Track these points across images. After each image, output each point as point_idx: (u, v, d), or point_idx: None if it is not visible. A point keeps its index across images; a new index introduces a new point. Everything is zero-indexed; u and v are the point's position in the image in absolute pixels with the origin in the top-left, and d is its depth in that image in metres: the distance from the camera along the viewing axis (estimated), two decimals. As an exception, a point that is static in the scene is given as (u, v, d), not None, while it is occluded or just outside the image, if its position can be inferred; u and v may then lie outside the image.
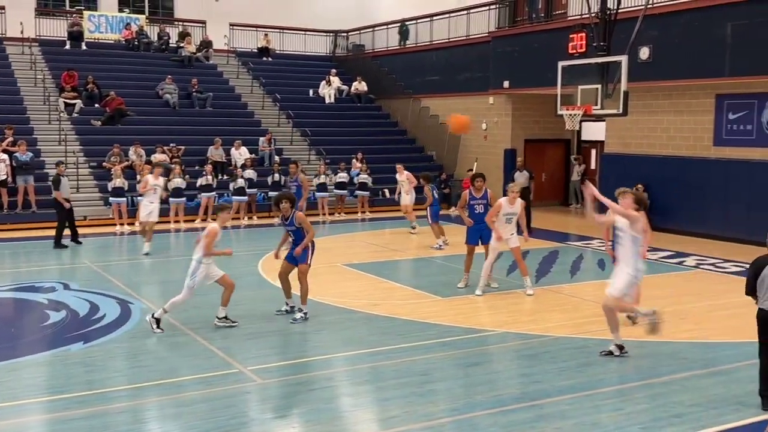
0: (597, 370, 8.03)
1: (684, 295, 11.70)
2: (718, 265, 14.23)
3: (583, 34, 15.51)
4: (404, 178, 18.42)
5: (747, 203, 16.47)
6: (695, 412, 6.82)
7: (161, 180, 15.86)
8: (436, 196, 16.38)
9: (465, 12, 25.20)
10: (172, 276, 13.44)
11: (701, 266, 14.15)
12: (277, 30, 30.79)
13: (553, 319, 10.18)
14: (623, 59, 13.88)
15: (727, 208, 16.87)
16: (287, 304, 10.30)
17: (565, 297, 11.53)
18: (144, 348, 8.79)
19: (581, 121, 17.05)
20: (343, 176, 21.98)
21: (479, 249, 12.02)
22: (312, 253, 10.09)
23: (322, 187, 21.45)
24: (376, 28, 30.25)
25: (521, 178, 18.03)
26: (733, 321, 10.12)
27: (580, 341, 9.13)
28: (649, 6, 15.46)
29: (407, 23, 28.14)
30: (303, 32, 31.23)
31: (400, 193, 18.76)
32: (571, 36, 15.94)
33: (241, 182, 20.25)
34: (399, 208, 19.30)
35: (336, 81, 27.91)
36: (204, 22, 29.54)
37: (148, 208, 15.28)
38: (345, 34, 31.99)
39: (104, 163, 20.50)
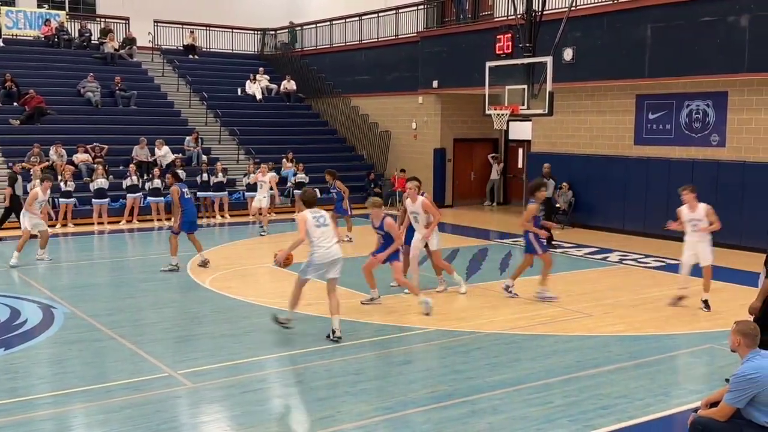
0: (526, 365, 8.18)
1: (608, 290, 12.04)
2: (640, 260, 14.70)
3: (510, 35, 15.78)
4: (266, 179, 18.02)
5: (666, 201, 17.03)
6: (622, 403, 7.02)
7: (48, 194, 15.13)
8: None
9: (393, 11, 25.31)
10: (95, 279, 13.10)
11: (624, 262, 14.59)
12: (204, 27, 30.28)
13: (484, 316, 10.33)
14: (548, 60, 14.18)
15: (648, 205, 17.45)
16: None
17: (495, 294, 11.70)
18: (69, 354, 8.50)
19: (509, 121, 17.33)
20: (271, 176, 21.72)
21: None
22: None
23: (251, 187, 21.17)
24: (305, 27, 30.09)
25: (550, 187, 17.13)
26: (655, 314, 10.47)
27: (509, 337, 9.29)
28: (572, 8, 15.83)
29: (335, 21, 28.08)
30: (230, 30, 30.80)
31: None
32: (497, 37, 16.19)
33: (157, 183, 19.78)
34: (328, 207, 19.16)
35: (263, 79, 27.62)
36: (127, 19, 28.78)
37: (33, 220, 14.15)
38: (273, 32, 31.70)
39: (23, 164, 19.74)
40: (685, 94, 16.82)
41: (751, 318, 7.04)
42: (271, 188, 18.37)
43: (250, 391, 7.39)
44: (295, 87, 27.88)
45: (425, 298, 10.36)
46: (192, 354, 8.53)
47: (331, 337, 8.96)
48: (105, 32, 27.36)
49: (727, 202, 15.82)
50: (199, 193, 20.36)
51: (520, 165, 24.33)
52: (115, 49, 26.65)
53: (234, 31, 30.88)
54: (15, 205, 16.95)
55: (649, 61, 16.74)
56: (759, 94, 15.50)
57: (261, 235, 17.55)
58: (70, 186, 18.82)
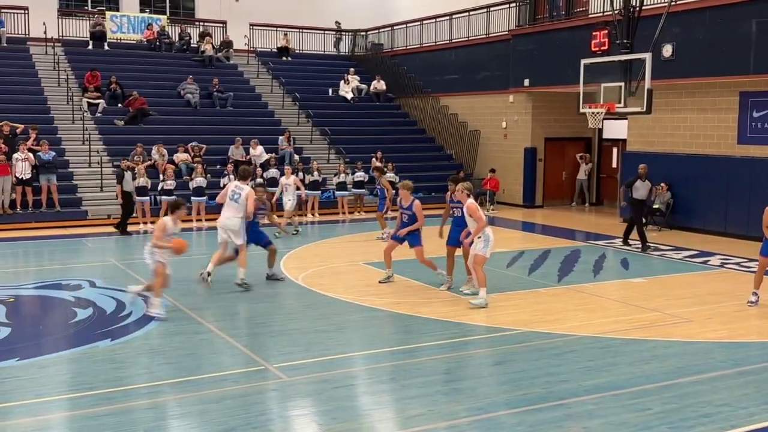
0: (623, 370, 7.96)
1: (709, 295, 11.58)
2: (743, 264, 14.08)
3: (606, 32, 15.40)
4: (291, 181, 17.99)
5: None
6: (724, 411, 6.74)
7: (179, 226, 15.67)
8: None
9: (485, 10, 25.12)
10: (194, 274, 13.54)
11: (726, 266, 14.01)
12: (297, 30, 30.87)
13: (577, 318, 10.12)
14: (647, 56, 13.76)
15: (751, 207, 16.66)
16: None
17: (589, 296, 11.45)
18: (170, 345, 8.83)
19: (603, 119, 16.90)
20: (360, 175, 21.98)
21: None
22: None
23: (341, 185, 21.51)
24: (395, 27, 30.24)
25: (643, 188, 16.16)
26: (761, 321, 10.02)
27: (605, 341, 9.07)
28: (672, 3, 15.30)
29: (425, 21, 28.09)
30: (322, 32, 31.29)
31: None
32: (593, 33, 15.82)
33: (259, 181, 20.28)
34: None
35: (354, 80, 27.93)
36: (224, 23, 29.68)
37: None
38: (364, 33, 32.00)
39: (127, 163, 20.61)
40: (793, 90, 16.02)
41: None
42: (298, 188, 18.35)
43: (342, 386, 7.49)
44: (384, 87, 28.07)
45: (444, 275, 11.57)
46: (287, 348, 8.71)
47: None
48: (203, 35, 28.30)
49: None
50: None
51: (614, 165, 23.70)
52: (213, 52, 27.50)
53: (326, 32, 31.35)
54: (127, 202, 17.74)
55: (754, 56, 16.01)
56: None
57: (294, 233, 17.47)
58: (171, 184, 19.54)
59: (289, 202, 17.91)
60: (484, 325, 9.73)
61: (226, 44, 28.42)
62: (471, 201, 10.77)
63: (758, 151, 16.76)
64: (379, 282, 12.06)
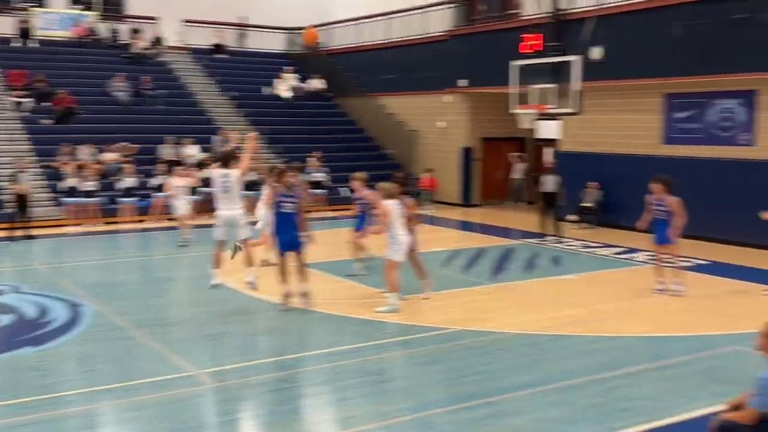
0: (550, 366, 8.15)
1: (635, 290, 11.93)
2: (668, 260, 14.50)
3: (537, 34, 15.71)
4: (184, 183, 17.00)
5: (694, 199, 16.81)
6: (646, 406, 6.97)
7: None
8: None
9: (422, 10, 25.29)
10: (122, 277, 13.29)
11: (651, 263, 14.42)
12: (232, 27, 30.50)
13: (509, 316, 10.30)
14: (576, 59, 14.09)
15: (677, 204, 17.22)
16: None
17: (521, 294, 11.67)
18: (97, 352, 8.64)
19: (537, 120, 17.24)
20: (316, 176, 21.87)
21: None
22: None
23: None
24: (332, 26, 30.18)
25: (550, 182, 17.14)
26: (682, 315, 10.37)
27: (534, 337, 9.26)
28: (601, 6, 15.70)
29: (362, 21, 28.11)
30: (258, 29, 30.99)
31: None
32: (525, 36, 16.12)
33: (193, 182, 19.97)
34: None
35: (291, 78, 27.76)
36: (156, 18, 29.09)
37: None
38: (301, 32, 31.83)
39: (55, 163, 20.08)
40: (714, 92, 16.61)
41: None
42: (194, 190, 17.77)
43: (274, 390, 7.46)
44: (322, 86, 27.98)
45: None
46: (217, 353, 8.63)
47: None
48: (134, 32, 27.70)
49: (757, 201, 15.58)
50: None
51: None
52: (144, 49, 26.97)
53: (262, 30, 31.06)
54: (21, 203, 16.92)
55: (678, 59, 16.55)
56: (791, 92, 15.27)
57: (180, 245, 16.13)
58: (92, 186, 18.96)
59: (182, 206, 16.56)
60: (418, 325, 9.81)
61: (158, 41, 27.89)
62: (385, 202, 10.41)
63: (681, 151, 17.32)
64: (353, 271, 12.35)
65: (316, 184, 22.04)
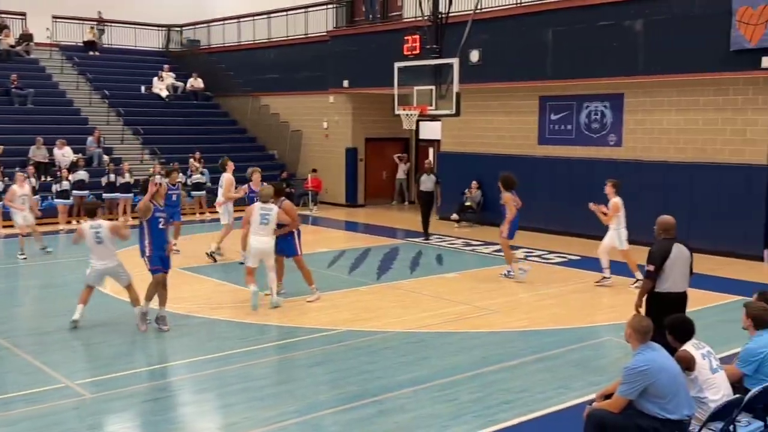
0: (434, 363, 8.30)
1: (514, 286, 12.34)
2: (543, 256, 15.13)
3: (417, 36, 15.92)
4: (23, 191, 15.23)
5: (568, 198, 17.63)
6: (524, 397, 7.22)
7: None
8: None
9: (303, 10, 25.17)
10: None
11: (529, 258, 14.98)
12: (106, 23, 29.30)
13: (394, 315, 10.41)
14: (455, 62, 14.38)
15: (551, 203, 17.98)
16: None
17: (405, 293, 11.82)
18: (-42, 367, 8.08)
19: (419, 121, 17.51)
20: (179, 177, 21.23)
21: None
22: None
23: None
24: (212, 24, 29.55)
25: (428, 182, 17.46)
26: (557, 309, 10.81)
27: (418, 335, 9.40)
28: (478, 11, 16.12)
29: (243, 19, 27.68)
30: (133, 26, 29.92)
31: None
32: (405, 38, 16.31)
33: (66, 184, 19.10)
34: (237, 208, 18.89)
35: (170, 77, 26.97)
36: (24, 14, 27.53)
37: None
38: (179, 29, 31.01)
39: None
40: (585, 95, 17.43)
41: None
42: None
43: (151, 400, 7.21)
44: (202, 85, 27.34)
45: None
46: (90, 363, 8.27)
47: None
48: (0, 28, 26.10)
49: (625, 200, 16.45)
50: (104, 195, 19.77)
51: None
52: (11, 46, 25.46)
53: (137, 27, 30.01)
54: None
55: (551, 63, 17.26)
56: (652, 96, 16.22)
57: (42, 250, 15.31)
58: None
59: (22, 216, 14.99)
60: (303, 327, 9.75)
61: (26, 37, 26.39)
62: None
63: (556, 151, 18.08)
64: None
65: (197, 186, 21.51)
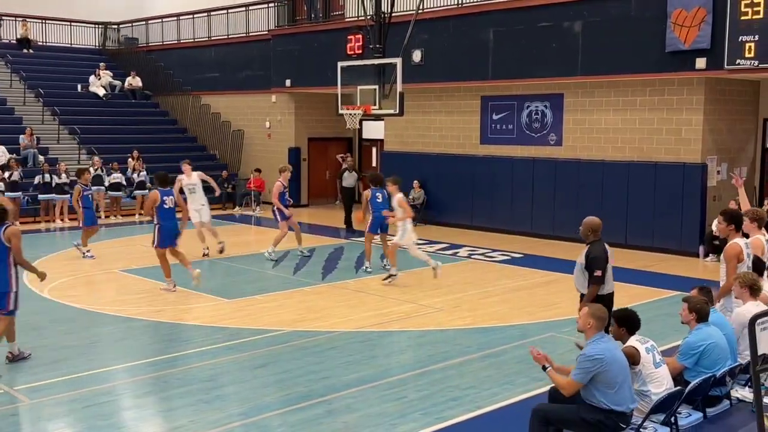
0: (381, 362, 8.32)
1: (458, 284, 12.45)
2: (487, 254, 15.30)
3: (360, 36, 15.94)
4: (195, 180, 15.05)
5: (510, 197, 17.90)
6: (471, 394, 7.29)
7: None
8: None
9: (244, 8, 24.91)
10: None
11: (473, 256, 15.15)
12: (40, 20, 28.45)
13: (340, 315, 10.39)
14: (397, 61, 14.43)
15: (493, 201, 18.22)
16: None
17: (351, 292, 11.81)
18: None
19: (362, 120, 17.52)
20: (117, 176, 20.82)
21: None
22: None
23: (97, 179, 20.14)
24: (151, 21, 28.99)
25: (350, 179, 19.11)
26: (501, 306, 10.95)
27: (365, 334, 9.40)
28: (420, 11, 16.21)
29: (182, 17, 27.23)
30: (69, 23, 29.13)
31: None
32: (348, 37, 16.32)
33: (-1, 185, 18.51)
34: (180, 209, 18.64)
35: (107, 75, 26.36)
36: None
37: None
38: (116, 26, 30.32)
39: None
40: (526, 95, 17.70)
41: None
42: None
43: (94, 404, 7.03)
44: (141, 84, 26.79)
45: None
46: (30, 368, 7.99)
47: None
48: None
49: (565, 198, 16.83)
50: (40, 196, 19.23)
51: (374, 164, 24.66)
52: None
53: (72, 24, 29.23)
54: None
55: (492, 63, 17.47)
56: (591, 96, 16.57)
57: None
58: None
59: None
60: (248, 328, 9.65)
61: (-45, 33, 25.48)
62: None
63: (497, 151, 18.31)
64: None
65: (140, 185, 21.14)
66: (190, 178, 14.87)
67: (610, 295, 7.71)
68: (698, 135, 15.09)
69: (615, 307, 7.08)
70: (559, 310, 10.48)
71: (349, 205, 19.05)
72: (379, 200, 13.42)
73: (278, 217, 14.59)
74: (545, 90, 17.27)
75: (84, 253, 14.42)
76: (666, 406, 5.77)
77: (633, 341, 5.93)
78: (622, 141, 16.18)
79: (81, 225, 14.72)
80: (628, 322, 6.08)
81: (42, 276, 8.37)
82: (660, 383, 5.80)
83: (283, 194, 14.62)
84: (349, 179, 19.17)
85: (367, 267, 13.40)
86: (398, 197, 12.35)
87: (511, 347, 8.86)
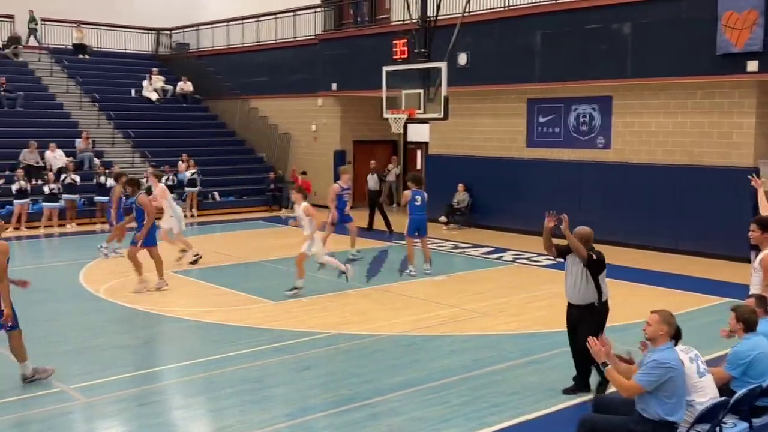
0: (425, 366, 8.38)
1: (503, 289, 12.44)
2: (532, 259, 15.23)
3: (405, 40, 16.02)
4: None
5: (556, 200, 17.74)
6: (514, 400, 7.31)
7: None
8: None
9: (292, 14, 25.22)
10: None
11: (517, 260, 15.10)
12: (94, 26, 29.24)
13: (384, 318, 10.48)
14: (443, 65, 14.48)
15: (538, 205, 18.06)
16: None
17: (395, 295, 11.90)
18: (-50, 373, 8.09)
19: (407, 123, 17.61)
20: (169, 180, 21.28)
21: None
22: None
23: (149, 191, 20.64)
24: (201, 27, 29.56)
25: (372, 181, 19.53)
26: (546, 312, 10.91)
27: (409, 338, 9.48)
28: (465, 14, 16.23)
29: (232, 22, 27.70)
30: (123, 29, 29.88)
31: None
32: (393, 41, 16.41)
33: (54, 187, 19.05)
34: (227, 210, 18.95)
35: (159, 80, 26.96)
36: (12, 17, 27.42)
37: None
38: (168, 32, 30.99)
39: None
40: (573, 98, 17.57)
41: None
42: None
43: (147, 403, 7.26)
44: (192, 88, 27.34)
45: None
46: (85, 367, 8.28)
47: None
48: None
49: (613, 202, 16.64)
50: (95, 198, 19.79)
51: (418, 167, 24.71)
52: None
53: (126, 30, 29.97)
54: None
55: (539, 66, 17.39)
56: (641, 98, 16.36)
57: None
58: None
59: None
60: (293, 330, 9.81)
61: (14, 40, 26.31)
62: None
63: (544, 154, 18.21)
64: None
65: (191, 182, 21.65)
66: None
67: (606, 301, 7.58)
68: (750, 138, 14.79)
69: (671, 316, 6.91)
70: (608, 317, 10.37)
71: (372, 207, 19.34)
72: (418, 203, 13.41)
73: (337, 218, 14.77)
74: (593, 92, 17.11)
75: (112, 252, 14.65)
76: (711, 416, 5.71)
77: (677, 351, 5.88)
78: (672, 144, 15.95)
79: (114, 223, 14.93)
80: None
81: (23, 284, 7.95)
82: (704, 393, 5.74)
83: (341, 197, 14.80)
84: (370, 182, 19.59)
85: (410, 270, 13.46)
86: (304, 206, 11.70)
87: (556, 354, 8.82)
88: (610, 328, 9.56)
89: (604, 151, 17.07)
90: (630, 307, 10.54)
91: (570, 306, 7.57)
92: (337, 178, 23.50)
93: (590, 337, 5.79)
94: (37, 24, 27.52)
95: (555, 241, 7.65)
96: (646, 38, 15.50)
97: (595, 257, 7.37)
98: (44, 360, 8.49)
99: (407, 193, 13.68)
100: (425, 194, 13.61)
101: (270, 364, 8.50)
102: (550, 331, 9.80)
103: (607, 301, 7.49)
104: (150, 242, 11.88)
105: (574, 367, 7.56)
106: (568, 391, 7.46)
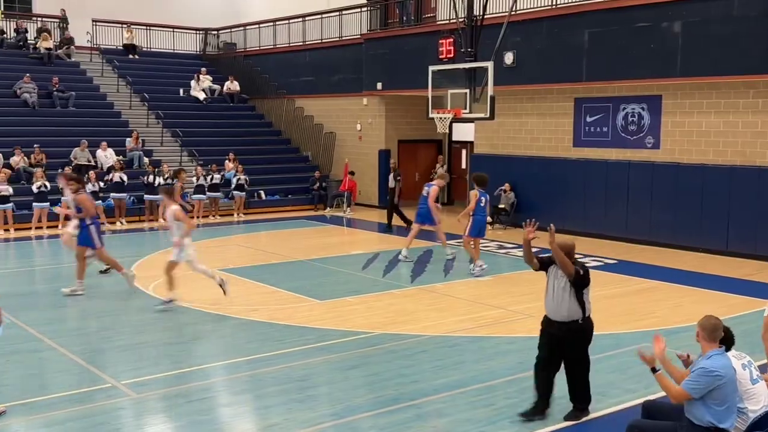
0: (471, 367, 8.35)
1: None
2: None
3: (452, 40, 15.98)
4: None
5: (604, 201, 17.54)
6: (561, 403, 7.14)
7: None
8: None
9: (337, 13, 25.34)
10: (33, 287, 12.82)
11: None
12: (144, 27, 29.79)
13: (428, 318, 10.47)
14: (489, 65, 14.40)
15: (586, 205, 17.89)
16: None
17: (439, 296, 11.88)
18: (7, 365, 8.30)
19: (452, 122, 17.58)
20: (217, 178, 21.59)
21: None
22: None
23: (199, 189, 20.98)
24: (248, 27, 29.89)
25: (391, 180, 19.73)
26: (594, 314, 10.68)
27: (454, 339, 9.45)
28: (512, 13, 16.11)
29: (278, 22, 27.94)
30: (171, 29, 30.38)
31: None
32: (440, 41, 16.38)
33: (96, 186, 19.41)
34: (273, 209, 19.03)
35: (207, 80, 27.34)
36: (66, 19, 28.10)
37: None
38: (216, 32, 31.41)
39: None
40: (621, 97, 17.31)
41: None
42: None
43: (195, 400, 7.37)
44: (238, 88, 27.67)
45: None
46: (135, 363, 8.45)
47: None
48: (41, 31, 26.68)
49: (662, 202, 16.36)
50: (145, 196, 20.16)
51: (463, 166, 24.62)
52: (51, 49, 26.02)
53: (175, 30, 30.46)
54: None
55: (587, 65, 17.17)
56: (691, 98, 16.05)
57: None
58: (6, 190, 18.30)
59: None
60: (339, 329, 9.87)
61: (67, 41, 26.96)
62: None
63: (591, 153, 17.99)
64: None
65: (239, 187, 21.86)
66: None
67: (590, 317, 7.18)
68: (806, 138, 14.40)
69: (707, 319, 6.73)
70: (656, 320, 10.23)
71: (390, 206, 19.66)
72: (483, 204, 13.31)
73: (433, 220, 14.86)
74: (642, 92, 16.84)
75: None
76: (764, 424, 5.58)
77: (729, 358, 5.76)
78: (723, 144, 15.61)
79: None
80: (718, 334, 5.87)
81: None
82: (757, 400, 5.61)
83: (425, 199, 15.11)
84: (390, 182, 19.84)
85: (472, 269, 13.39)
86: (173, 209, 10.86)
87: (605, 356, 8.70)
88: (662, 331, 9.42)
89: (653, 151, 16.79)
90: (681, 309, 10.35)
91: (549, 322, 6.93)
92: (385, 176, 23.80)
93: (655, 335, 5.56)
94: (68, 24, 28.02)
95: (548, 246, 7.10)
96: (695, 36, 15.20)
97: (582, 272, 6.80)
98: (99, 355, 8.68)
99: (475, 192, 13.33)
100: (487, 195, 13.53)
101: (315, 363, 8.56)
102: (597, 334, 9.57)
103: (590, 316, 6.92)
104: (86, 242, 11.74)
105: (537, 389, 6.96)
106: (525, 415, 6.85)
